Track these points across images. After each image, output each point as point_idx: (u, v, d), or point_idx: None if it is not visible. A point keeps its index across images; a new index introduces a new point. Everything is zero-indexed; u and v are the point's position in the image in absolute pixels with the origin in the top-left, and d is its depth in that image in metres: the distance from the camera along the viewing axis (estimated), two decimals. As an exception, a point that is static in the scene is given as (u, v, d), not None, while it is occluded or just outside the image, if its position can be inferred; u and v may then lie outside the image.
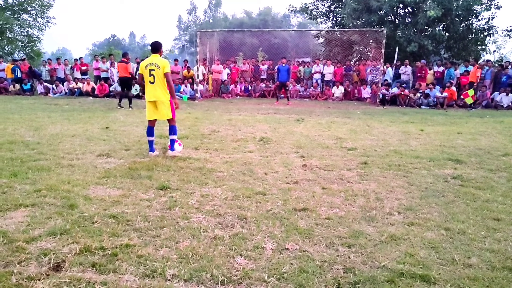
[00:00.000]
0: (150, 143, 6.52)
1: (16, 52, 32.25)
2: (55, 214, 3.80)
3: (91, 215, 3.77)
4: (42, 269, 2.78)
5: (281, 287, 2.65)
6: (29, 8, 31.70)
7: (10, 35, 31.91)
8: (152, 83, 6.21)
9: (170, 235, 3.39)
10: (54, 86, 19.95)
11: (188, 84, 19.20)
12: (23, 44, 32.70)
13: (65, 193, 4.38)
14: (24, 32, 32.57)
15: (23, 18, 32.08)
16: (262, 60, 24.44)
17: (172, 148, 6.44)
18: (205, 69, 20.16)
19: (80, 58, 22.02)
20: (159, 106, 6.28)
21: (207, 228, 3.57)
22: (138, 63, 20.38)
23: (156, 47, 6.41)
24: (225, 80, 20.47)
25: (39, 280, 2.64)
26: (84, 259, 2.93)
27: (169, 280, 2.69)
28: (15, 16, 31.29)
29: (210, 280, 2.70)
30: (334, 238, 3.41)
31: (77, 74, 20.62)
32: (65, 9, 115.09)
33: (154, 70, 6.16)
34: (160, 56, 6.43)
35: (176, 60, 22.66)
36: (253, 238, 3.37)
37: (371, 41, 20.26)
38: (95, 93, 19.05)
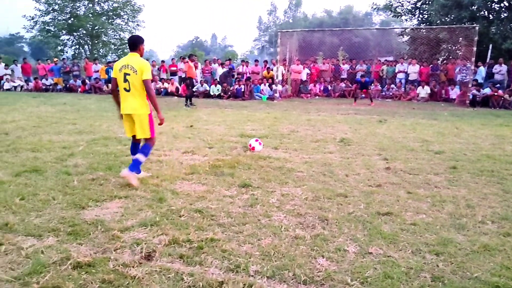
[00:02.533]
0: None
1: (110, 54, 34.80)
2: (146, 206, 4.05)
3: (178, 209, 3.96)
4: (135, 257, 2.98)
5: (364, 291, 2.59)
6: (122, 13, 34.06)
7: (104, 39, 34.56)
8: (128, 90, 4.70)
9: (252, 232, 3.46)
10: (143, 86, 21.19)
11: (267, 84, 19.41)
12: (115, 47, 35.25)
13: (154, 187, 4.65)
14: (116, 36, 35.09)
15: (116, 23, 34.56)
16: (342, 60, 23.99)
17: (133, 168, 4.82)
18: (285, 69, 20.25)
19: (172, 59, 23.31)
20: (136, 120, 4.79)
21: (288, 227, 3.59)
22: (221, 64, 21.08)
23: (134, 43, 4.79)
24: (305, 80, 20.42)
25: (132, 267, 2.82)
26: (172, 250, 3.09)
27: (252, 276, 2.75)
28: (109, 21, 33.79)
29: (292, 279, 2.71)
30: (420, 244, 3.26)
31: (163, 75, 21.75)
32: (152, 13, 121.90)
33: (129, 74, 4.64)
34: (142, 55, 4.85)
35: (256, 60, 23.02)
36: (335, 240, 3.33)
37: (461, 38, 19.02)
38: (179, 93, 19.94)
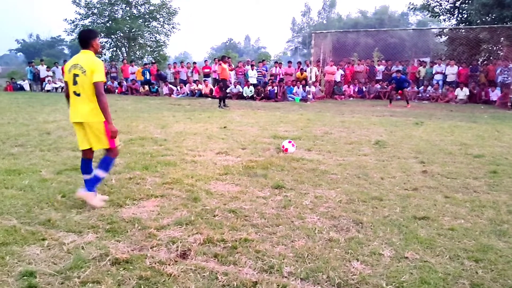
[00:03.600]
0: (86, 182, 4.17)
1: (146, 56, 35.56)
2: (181, 205, 4.12)
3: (212, 209, 4.02)
4: (171, 255, 3.04)
5: (400, 296, 2.55)
6: (158, 16, 34.72)
7: (141, 41, 35.34)
8: (78, 95, 3.96)
9: (285, 233, 3.46)
10: (178, 87, 21.58)
11: (301, 86, 19.34)
12: (151, 49, 35.96)
13: (189, 187, 4.72)
14: (152, 38, 35.78)
15: (152, 25, 35.26)
16: (378, 61, 23.61)
17: (90, 186, 4.10)
18: (318, 71, 20.13)
19: (205, 61, 23.72)
20: (87, 130, 4.02)
21: (322, 229, 3.58)
22: (253, 66, 21.19)
23: (84, 39, 4.02)
24: (339, 81, 20.22)
25: (168, 265, 2.88)
26: (207, 249, 3.13)
27: (285, 277, 2.75)
28: (146, 24, 34.53)
29: (326, 282, 2.70)
30: (459, 250, 3.17)
31: (196, 76, 22.07)
32: (187, 15, 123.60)
33: (78, 75, 3.90)
34: (96, 52, 4.09)
35: (289, 62, 22.99)
36: (369, 243, 3.29)
37: (502, 38, 18.37)
38: (213, 94, 20.15)
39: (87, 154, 4.22)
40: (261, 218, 3.81)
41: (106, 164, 4.20)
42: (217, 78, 15.85)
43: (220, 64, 15.48)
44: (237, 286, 2.62)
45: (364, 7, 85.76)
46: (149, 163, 5.80)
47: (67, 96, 4.09)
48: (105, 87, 21.93)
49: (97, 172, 4.14)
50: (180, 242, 3.25)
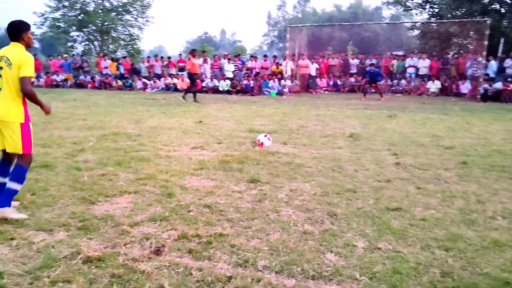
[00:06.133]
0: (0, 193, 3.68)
1: (119, 50, 34.96)
2: (155, 201, 4.07)
3: (187, 204, 3.98)
4: (144, 252, 3.00)
5: (373, 286, 2.58)
6: (131, 9, 34.15)
7: (114, 35, 34.71)
8: None
9: (260, 227, 3.46)
10: (152, 81, 21.28)
11: (277, 80, 19.36)
12: (125, 43, 35.36)
13: (163, 182, 4.67)
14: (126, 31, 35.20)
15: (125, 19, 34.68)
16: (352, 54, 23.85)
17: (4, 202, 3.59)
18: (294, 65, 20.19)
19: (180, 55, 23.41)
20: (4, 129, 3.59)
21: (296, 222, 3.59)
22: (229, 60, 21.09)
23: (13, 31, 3.64)
24: (314, 75, 20.34)
25: (142, 262, 2.84)
26: (181, 245, 3.11)
27: (260, 271, 2.75)
28: (119, 17, 33.92)
29: (300, 274, 2.72)
30: (430, 240, 3.24)
31: (172, 71, 21.80)
32: (161, 9, 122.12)
33: (2, 68, 3.54)
34: (29, 46, 3.71)
35: (265, 56, 22.97)
36: (343, 235, 3.32)
37: (472, 32, 18.79)
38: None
39: (6, 156, 3.78)
40: (237, 213, 3.80)
41: (18, 174, 3.67)
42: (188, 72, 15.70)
43: (189, 59, 15.35)
44: (212, 281, 2.61)
45: (338, 1, 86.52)
46: (123, 159, 5.70)
47: None
48: (78, 81, 21.39)
49: (11, 185, 3.62)
50: (154, 238, 3.21)
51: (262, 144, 6.67)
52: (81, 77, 23.01)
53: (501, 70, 17.46)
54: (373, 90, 17.32)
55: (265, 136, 6.83)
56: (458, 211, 3.91)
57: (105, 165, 5.41)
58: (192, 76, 15.17)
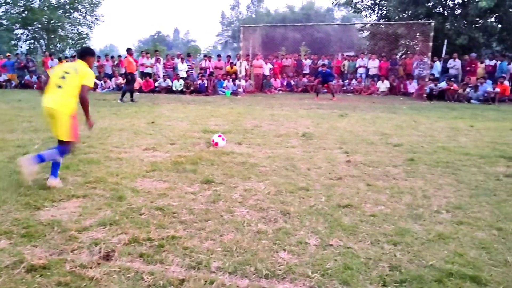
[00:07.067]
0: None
1: (67, 49, 33.65)
2: (105, 205, 3.94)
3: (138, 207, 3.89)
4: (93, 257, 2.90)
5: (325, 283, 2.62)
6: (79, 7, 33.01)
7: (61, 33, 33.38)
8: (60, 87, 4.46)
9: (214, 228, 3.44)
10: (102, 82, 20.67)
11: (231, 80, 19.35)
12: (73, 42, 34.08)
13: (113, 185, 4.53)
14: (74, 30, 33.97)
15: (73, 17, 33.45)
16: (304, 55, 24.24)
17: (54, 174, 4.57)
18: (248, 65, 20.25)
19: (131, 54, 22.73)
20: (57, 119, 4.44)
21: (250, 222, 3.60)
22: (182, 59, 20.85)
23: (84, 53, 4.89)
24: (267, 75, 20.50)
25: (90, 268, 2.74)
26: (132, 249, 3.02)
27: (213, 272, 2.73)
28: (66, 15, 32.66)
29: (254, 274, 2.72)
30: (379, 235, 3.34)
31: (123, 70, 21.24)
32: (112, 7, 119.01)
33: (69, 73, 4.48)
34: (89, 66, 4.77)
35: (219, 55, 22.88)
36: (296, 233, 3.36)
37: (418, 34, 19.61)
38: (141, 88, 19.55)
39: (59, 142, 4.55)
40: (190, 214, 3.75)
41: (60, 151, 4.52)
42: (125, 72, 15.50)
43: (126, 57, 15.18)
44: (164, 285, 2.55)
45: (291, 2, 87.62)
46: (70, 162, 5.48)
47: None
48: (23, 82, 20.44)
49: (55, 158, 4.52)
50: (104, 243, 3.11)
51: (216, 144, 6.63)
52: (26, 77, 21.98)
53: (445, 70, 18.35)
54: (325, 90, 17.68)
55: (219, 136, 6.79)
56: (405, 206, 4.05)
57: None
58: (129, 76, 14.99)
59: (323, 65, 18.12)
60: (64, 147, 4.51)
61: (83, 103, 4.46)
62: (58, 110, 4.35)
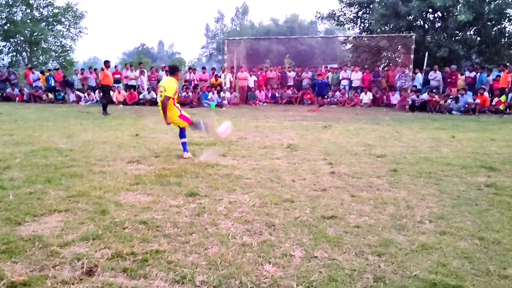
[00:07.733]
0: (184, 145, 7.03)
1: (50, 62, 33.28)
2: (88, 219, 3.89)
3: (122, 221, 3.84)
4: (75, 273, 2.85)
5: (310, 295, 2.62)
6: (63, 19, 32.74)
7: (44, 46, 33.02)
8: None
9: (199, 242, 3.41)
10: (85, 94, 20.50)
11: (216, 92, 19.37)
12: (56, 54, 33.74)
13: (96, 199, 4.48)
14: (57, 43, 33.63)
15: (57, 29, 33.15)
16: (289, 67, 24.44)
17: (186, 149, 7.09)
18: (233, 77, 20.32)
19: (116, 66, 22.63)
20: (174, 120, 6.99)
21: (235, 234, 3.58)
22: (167, 71, 20.81)
23: (172, 70, 7.38)
24: (252, 87, 20.60)
25: (72, 284, 2.70)
26: (115, 264, 2.98)
27: (198, 286, 2.71)
28: (49, 27, 32.36)
29: (239, 287, 2.70)
30: (363, 246, 3.35)
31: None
32: (96, 20, 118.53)
33: (164, 90, 6.79)
34: (177, 79, 7.30)
35: (203, 68, 22.92)
36: (281, 245, 3.36)
37: (399, 46, 20.00)
38: (125, 101, 19.45)
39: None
40: (174, 228, 3.72)
41: (183, 134, 7.08)
42: (101, 85, 15.55)
43: (102, 70, 15.21)
44: (147, 300, 2.53)
45: (275, 15, 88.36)
46: (53, 176, 5.40)
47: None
48: (4, 94, 20.16)
49: (183, 140, 7.06)
50: (86, 258, 3.06)
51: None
52: (8, 90, 21.68)
53: (426, 82, 18.70)
54: (309, 102, 17.79)
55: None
56: (389, 217, 4.09)
57: (33, 182, 5.09)
58: (104, 88, 14.99)
59: (318, 75, 18.26)
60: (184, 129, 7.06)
61: (162, 106, 6.75)
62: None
